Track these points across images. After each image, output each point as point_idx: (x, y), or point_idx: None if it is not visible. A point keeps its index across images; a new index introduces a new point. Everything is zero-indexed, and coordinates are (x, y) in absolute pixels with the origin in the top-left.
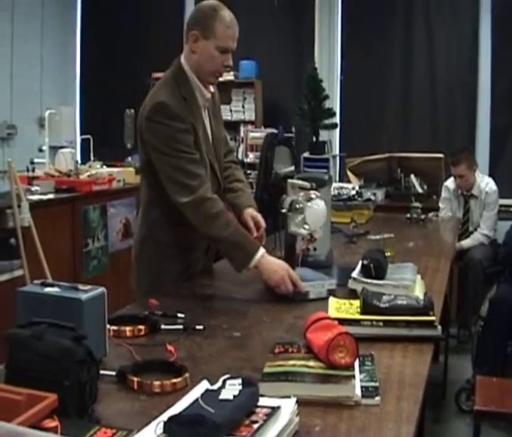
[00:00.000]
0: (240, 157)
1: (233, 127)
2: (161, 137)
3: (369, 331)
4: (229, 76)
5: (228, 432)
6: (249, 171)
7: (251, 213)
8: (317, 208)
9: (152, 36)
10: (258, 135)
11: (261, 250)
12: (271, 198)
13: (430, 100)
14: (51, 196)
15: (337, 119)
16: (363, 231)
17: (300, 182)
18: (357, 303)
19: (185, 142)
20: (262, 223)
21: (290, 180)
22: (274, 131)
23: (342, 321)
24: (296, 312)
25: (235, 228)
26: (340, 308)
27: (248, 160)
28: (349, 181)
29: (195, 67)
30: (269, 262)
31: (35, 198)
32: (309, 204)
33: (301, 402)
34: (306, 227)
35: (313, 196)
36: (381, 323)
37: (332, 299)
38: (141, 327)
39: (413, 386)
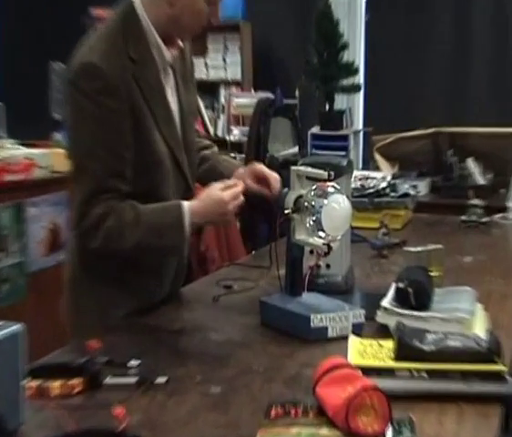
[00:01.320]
0: (219, 133)
1: (210, 90)
2: (79, 113)
3: (407, 386)
4: None
5: None
6: (232, 154)
7: (245, 173)
8: (337, 208)
9: None
10: (246, 101)
11: (184, 204)
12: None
13: (495, 56)
14: None
15: (360, 79)
16: (397, 241)
17: (309, 170)
18: (389, 345)
19: (115, 130)
20: (272, 176)
21: (294, 168)
22: (269, 96)
23: (367, 371)
24: (301, 357)
25: (144, 214)
26: (364, 351)
27: (231, 138)
28: (377, 168)
29: (164, 22)
30: (198, 207)
31: None
32: (325, 201)
33: None
34: (321, 234)
35: (331, 189)
36: (424, 374)
37: (353, 339)
38: (76, 381)
39: None
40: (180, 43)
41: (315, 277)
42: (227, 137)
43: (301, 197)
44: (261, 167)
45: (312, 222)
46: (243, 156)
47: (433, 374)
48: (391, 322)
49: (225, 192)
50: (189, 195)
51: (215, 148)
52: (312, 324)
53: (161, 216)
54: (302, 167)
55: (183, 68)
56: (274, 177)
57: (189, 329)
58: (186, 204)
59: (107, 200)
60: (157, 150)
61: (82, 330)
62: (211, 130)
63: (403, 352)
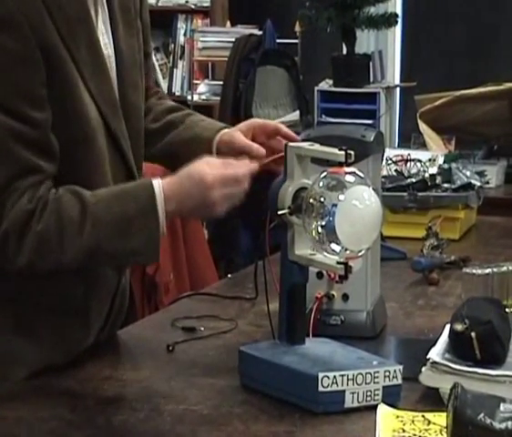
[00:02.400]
0: (176, 90)
1: (160, 22)
2: None
3: None
4: None
5: None
6: None
7: (234, 132)
8: (360, 207)
9: None
10: (217, 41)
11: (155, 182)
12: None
13: None
14: None
15: (397, 6)
16: (454, 258)
17: (316, 148)
18: (441, 420)
19: (17, 81)
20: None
21: (292, 144)
22: (254, 33)
23: None
24: (308, 434)
25: (94, 203)
26: (402, 430)
27: (195, 98)
28: (423, 145)
29: None
30: (172, 187)
31: None
32: (341, 197)
33: None
34: (335, 247)
35: (351, 178)
36: None
37: (385, 412)
38: None
39: None
40: None
41: (326, 314)
42: (188, 97)
43: (303, 190)
44: (270, 123)
45: (320, 229)
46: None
47: None
48: (443, 385)
49: (211, 171)
50: (127, 179)
51: (164, 97)
52: (320, 387)
53: (121, 203)
54: (304, 144)
55: None
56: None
57: (130, 396)
58: (157, 182)
59: (28, 189)
60: (84, 117)
61: None
62: (163, 86)
63: (462, 432)
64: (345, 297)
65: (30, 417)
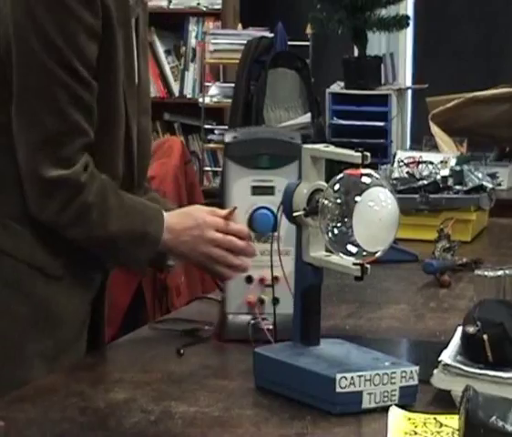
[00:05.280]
0: (188, 92)
1: (172, 25)
2: (40, 18)
3: None
4: None
5: None
6: (207, 126)
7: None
8: (377, 209)
9: None
10: (229, 44)
11: (164, 212)
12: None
13: None
14: None
15: (408, 8)
16: (465, 260)
17: (331, 150)
18: (453, 423)
19: (84, 50)
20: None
21: (306, 146)
22: (265, 35)
23: None
24: (319, 436)
25: (128, 199)
26: (414, 432)
27: (206, 100)
28: (434, 146)
29: None
30: (173, 220)
31: None
32: (358, 198)
33: None
34: (351, 249)
35: (367, 180)
36: None
37: (396, 414)
38: None
39: None
40: None
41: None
42: (199, 99)
43: (318, 191)
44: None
45: (336, 230)
46: (225, 128)
47: None
48: (455, 387)
49: (211, 215)
50: (131, 187)
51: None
52: (337, 388)
53: (142, 214)
54: (319, 146)
55: (145, 17)
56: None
57: (141, 398)
58: (165, 213)
59: (79, 153)
60: (116, 105)
61: None
62: (175, 88)
63: (474, 435)
64: (276, 300)
65: (41, 419)
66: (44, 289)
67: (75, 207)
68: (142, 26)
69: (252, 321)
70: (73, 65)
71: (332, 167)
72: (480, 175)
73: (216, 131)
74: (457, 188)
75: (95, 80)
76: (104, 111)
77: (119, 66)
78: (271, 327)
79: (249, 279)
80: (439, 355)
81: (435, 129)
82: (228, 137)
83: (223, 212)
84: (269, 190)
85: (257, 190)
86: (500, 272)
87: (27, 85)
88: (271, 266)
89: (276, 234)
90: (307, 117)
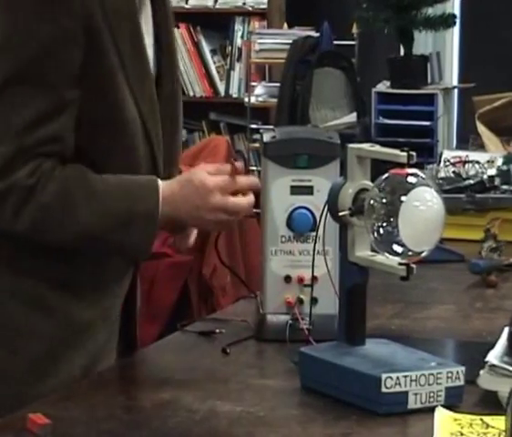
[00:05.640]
0: (233, 92)
1: (218, 25)
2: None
3: None
4: None
5: None
6: (253, 125)
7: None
8: (423, 209)
9: None
10: (274, 42)
11: (159, 181)
12: None
13: None
14: None
15: (455, 7)
16: None
17: (377, 149)
18: (500, 423)
19: (61, 58)
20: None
21: (352, 145)
22: (311, 35)
23: None
24: (365, 436)
25: (99, 183)
26: (461, 433)
27: (252, 100)
28: (480, 146)
29: None
30: (171, 190)
31: None
32: (404, 198)
33: None
34: (397, 249)
35: (413, 179)
36: None
37: (442, 413)
38: None
39: None
40: None
41: (295, 318)
42: (245, 99)
43: (363, 191)
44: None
45: (382, 230)
46: (270, 128)
47: None
48: (502, 388)
49: (212, 177)
50: None
51: None
52: (383, 388)
53: (128, 198)
54: (365, 145)
55: None
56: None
57: (186, 397)
58: (160, 183)
59: (37, 165)
60: (119, 108)
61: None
62: (220, 88)
63: None
64: (315, 300)
65: (86, 417)
66: (66, 303)
67: (28, 211)
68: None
69: (291, 321)
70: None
71: (378, 167)
72: None
73: (261, 131)
74: (504, 187)
75: (76, 88)
76: (106, 115)
77: (114, 69)
78: (309, 327)
79: (287, 279)
80: (485, 356)
81: (481, 128)
82: (266, 137)
83: (228, 169)
84: (307, 190)
85: (295, 190)
86: None
87: None
88: (313, 265)
89: (316, 233)
90: (353, 117)
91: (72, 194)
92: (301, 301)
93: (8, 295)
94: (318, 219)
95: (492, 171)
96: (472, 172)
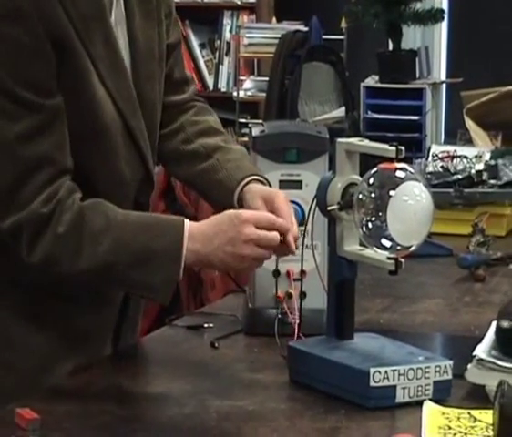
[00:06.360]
0: (222, 86)
1: (206, 19)
2: None
3: None
4: None
5: None
6: (241, 120)
7: (262, 192)
8: (412, 203)
9: None
10: (263, 37)
11: (186, 221)
12: None
13: None
14: None
15: (443, 3)
16: (500, 254)
17: (365, 144)
18: (487, 417)
19: (29, 73)
20: (288, 210)
21: (341, 140)
22: (300, 29)
23: None
24: (354, 430)
25: (121, 221)
26: (448, 427)
27: (241, 94)
28: (468, 141)
29: None
30: (202, 227)
31: None
32: (393, 193)
33: None
34: (385, 243)
35: (402, 174)
36: None
37: (430, 407)
38: None
39: None
40: None
41: (284, 313)
42: (234, 93)
43: (352, 185)
44: (274, 195)
45: (371, 225)
46: (259, 122)
47: None
48: (489, 382)
49: (248, 212)
50: (148, 184)
51: (206, 105)
52: (371, 382)
53: (149, 234)
54: (354, 140)
55: None
56: (287, 211)
57: (176, 392)
58: (187, 221)
59: (45, 186)
60: (97, 112)
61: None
62: (209, 82)
63: (509, 429)
64: (303, 295)
65: (79, 411)
66: (63, 316)
67: (44, 241)
68: None
69: (279, 316)
70: (14, 92)
71: (367, 162)
72: None
73: (250, 125)
74: (492, 182)
75: (51, 98)
76: (83, 122)
77: (87, 72)
78: (298, 321)
79: (276, 274)
80: (473, 350)
81: (469, 123)
82: (255, 131)
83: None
84: (296, 184)
85: (284, 184)
86: None
87: None
88: (302, 259)
89: (304, 228)
90: (341, 111)
91: (88, 225)
92: (289, 296)
93: (3, 308)
94: (307, 214)
95: (480, 166)
96: (460, 167)
